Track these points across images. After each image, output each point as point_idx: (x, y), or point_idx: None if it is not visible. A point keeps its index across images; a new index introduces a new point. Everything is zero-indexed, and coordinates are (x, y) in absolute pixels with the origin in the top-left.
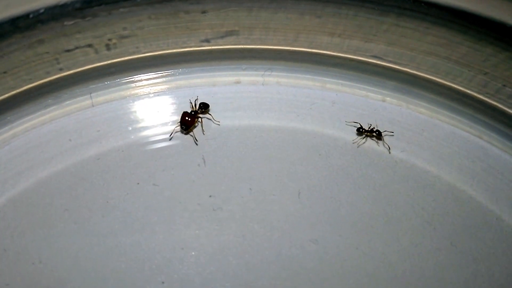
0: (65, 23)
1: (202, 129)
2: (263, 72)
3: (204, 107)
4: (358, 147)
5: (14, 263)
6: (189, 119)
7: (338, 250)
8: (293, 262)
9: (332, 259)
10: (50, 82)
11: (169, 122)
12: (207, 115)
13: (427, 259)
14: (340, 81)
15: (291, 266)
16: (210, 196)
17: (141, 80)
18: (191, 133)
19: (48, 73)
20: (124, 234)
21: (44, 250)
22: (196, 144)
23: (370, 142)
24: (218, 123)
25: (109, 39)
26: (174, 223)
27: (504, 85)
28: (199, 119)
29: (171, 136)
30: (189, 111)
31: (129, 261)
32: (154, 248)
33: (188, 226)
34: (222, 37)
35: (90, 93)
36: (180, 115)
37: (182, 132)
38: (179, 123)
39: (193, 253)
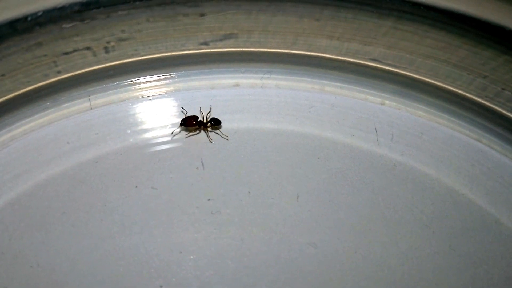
0: (64, 26)
1: (210, 139)
2: (262, 75)
3: (216, 123)
4: None
5: (11, 266)
6: (192, 123)
7: (337, 254)
8: (291, 265)
9: (330, 263)
10: (49, 85)
11: (168, 125)
12: (215, 130)
13: (426, 263)
14: (339, 84)
15: (290, 269)
16: (209, 199)
17: (139, 83)
18: (191, 133)
19: (47, 76)
20: (122, 238)
21: (42, 253)
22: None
23: (369, 144)
24: (226, 137)
25: (108, 42)
26: (172, 227)
27: (503, 89)
28: (204, 130)
29: (173, 135)
30: (199, 117)
31: (127, 265)
32: (152, 252)
33: (187, 230)
34: (221, 40)
35: (89, 96)
36: (187, 115)
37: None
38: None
39: (191, 256)
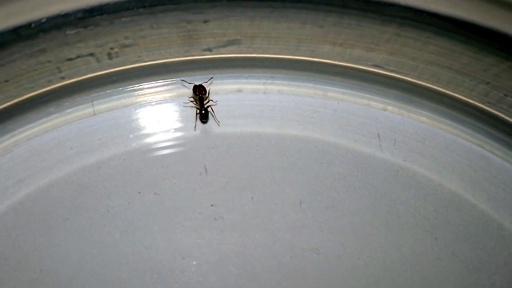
0: (67, 32)
1: (214, 117)
2: (265, 81)
3: (203, 116)
4: None
5: (15, 272)
6: (196, 91)
7: (340, 259)
8: (294, 271)
9: (333, 269)
10: (52, 91)
11: (170, 130)
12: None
13: (429, 269)
14: (342, 90)
15: (293, 275)
16: (212, 205)
17: (142, 89)
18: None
19: (50, 82)
20: (125, 243)
21: (45, 259)
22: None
23: (372, 150)
24: (194, 129)
25: (111, 48)
26: (175, 232)
27: (505, 95)
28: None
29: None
30: (205, 99)
31: (130, 271)
32: (155, 257)
33: (189, 235)
34: (224, 46)
35: (92, 102)
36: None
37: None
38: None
39: (194, 262)
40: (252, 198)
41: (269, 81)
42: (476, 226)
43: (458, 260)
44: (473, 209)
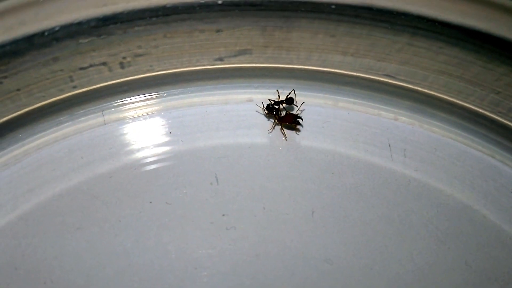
0: (80, 41)
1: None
2: (275, 90)
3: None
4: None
5: (25, 282)
6: (270, 107)
7: (353, 270)
8: (307, 282)
9: (346, 279)
10: (63, 100)
11: (181, 140)
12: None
13: (442, 279)
14: (353, 100)
15: (305, 286)
16: (223, 215)
17: (153, 98)
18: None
19: (62, 91)
20: (136, 254)
21: (55, 269)
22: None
23: (383, 160)
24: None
25: (124, 57)
26: (186, 242)
27: None
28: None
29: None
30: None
31: (141, 281)
32: (167, 268)
33: (201, 245)
34: (235, 55)
35: (103, 111)
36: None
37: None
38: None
39: (205, 273)
40: (263, 207)
41: (280, 90)
42: (488, 236)
43: (472, 270)
44: (485, 219)
